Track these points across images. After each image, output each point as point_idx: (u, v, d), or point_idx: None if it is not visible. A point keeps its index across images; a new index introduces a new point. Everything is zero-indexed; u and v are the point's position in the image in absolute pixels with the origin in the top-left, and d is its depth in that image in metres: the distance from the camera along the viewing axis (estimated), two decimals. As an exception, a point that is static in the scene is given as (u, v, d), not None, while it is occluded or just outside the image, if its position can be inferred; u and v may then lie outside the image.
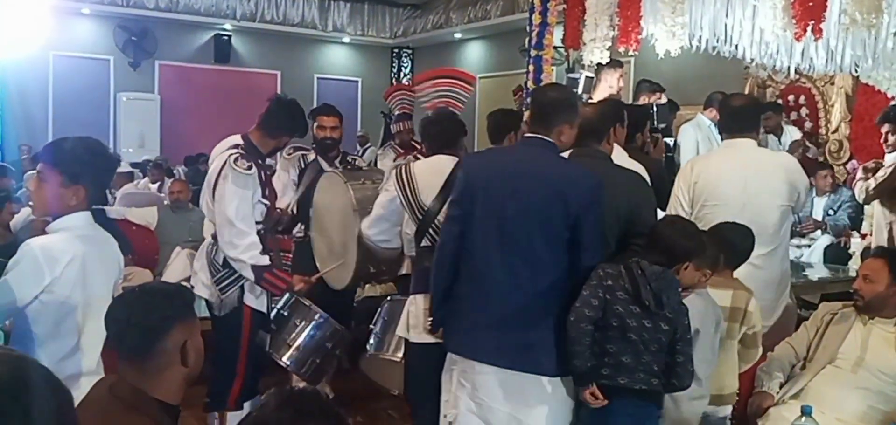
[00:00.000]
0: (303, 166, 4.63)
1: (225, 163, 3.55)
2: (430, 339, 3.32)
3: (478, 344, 2.91)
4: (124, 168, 9.14)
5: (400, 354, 3.65)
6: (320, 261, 4.09)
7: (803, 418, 2.81)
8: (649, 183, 3.44)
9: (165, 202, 7.04)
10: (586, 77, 5.29)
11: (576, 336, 2.76)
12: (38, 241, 2.58)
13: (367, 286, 5.19)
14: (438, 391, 3.45)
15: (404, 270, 4.08)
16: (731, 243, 3.32)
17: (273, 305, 3.81)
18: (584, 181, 2.88)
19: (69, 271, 2.53)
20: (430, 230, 3.34)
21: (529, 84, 5.69)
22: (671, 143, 4.94)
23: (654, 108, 5.03)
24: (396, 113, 6.11)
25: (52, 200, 2.63)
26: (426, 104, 5.18)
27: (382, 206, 3.52)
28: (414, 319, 3.39)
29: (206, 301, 3.74)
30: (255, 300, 3.71)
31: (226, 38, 13.93)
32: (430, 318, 3.16)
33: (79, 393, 2.18)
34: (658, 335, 2.81)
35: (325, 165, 4.58)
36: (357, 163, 4.91)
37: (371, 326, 3.96)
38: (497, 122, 4.30)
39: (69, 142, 2.66)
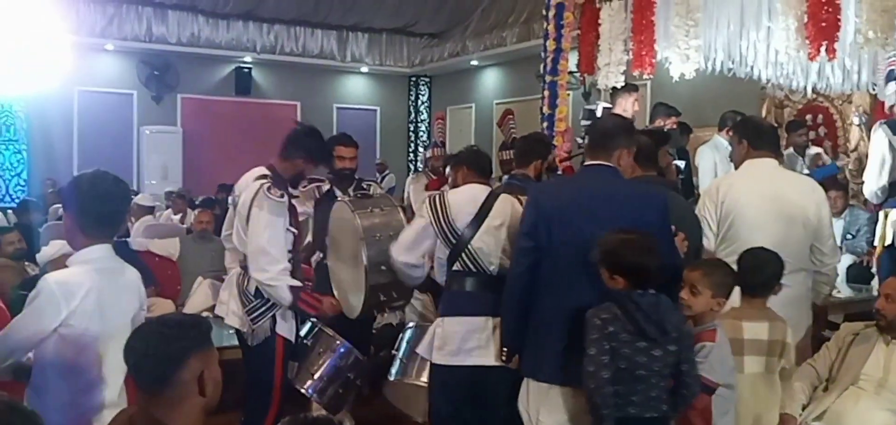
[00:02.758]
0: (317, 196, 4.67)
1: (257, 192, 3.58)
2: (457, 362, 3.36)
3: (571, 368, 2.92)
4: (146, 201, 9.24)
5: (424, 377, 3.65)
6: (337, 289, 4.11)
7: (825, 440, 2.79)
8: None
9: (187, 232, 7.11)
10: (604, 107, 5.30)
11: (602, 401, 2.76)
12: (54, 276, 2.62)
13: (386, 313, 5.21)
14: (462, 414, 3.47)
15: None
16: (755, 270, 3.20)
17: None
18: (653, 200, 3.11)
19: (86, 304, 2.55)
20: (463, 255, 3.40)
21: (545, 109, 5.74)
22: (682, 166, 4.95)
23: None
24: (433, 140, 6.17)
25: (67, 237, 2.75)
26: None
27: (414, 232, 3.57)
28: (440, 341, 3.41)
29: (237, 331, 3.76)
30: (287, 329, 3.73)
31: (246, 70, 14.10)
32: (505, 349, 3.23)
33: None
34: (668, 359, 2.81)
35: (339, 194, 4.61)
36: (372, 189, 4.93)
37: (394, 351, 3.97)
38: (524, 147, 4.38)
39: (73, 179, 2.74)
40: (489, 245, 3.38)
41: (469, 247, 3.38)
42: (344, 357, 3.85)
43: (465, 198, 3.49)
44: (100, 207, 2.66)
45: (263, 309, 3.66)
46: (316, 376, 3.83)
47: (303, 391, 3.86)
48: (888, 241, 4.73)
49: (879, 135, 4.79)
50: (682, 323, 2.87)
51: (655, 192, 3.17)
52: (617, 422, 2.79)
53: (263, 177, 3.66)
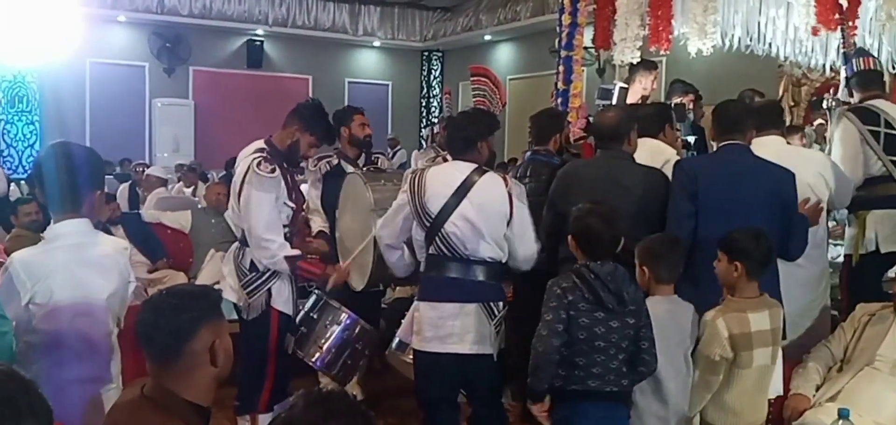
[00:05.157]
0: (328, 170, 4.64)
1: (249, 167, 3.57)
2: (431, 348, 3.34)
3: None
4: (160, 173, 9.26)
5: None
6: (345, 261, 4.09)
7: (841, 421, 2.77)
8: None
9: (199, 205, 7.11)
10: (621, 88, 5.23)
11: (541, 364, 2.82)
12: (19, 255, 2.64)
13: (397, 287, 5.20)
14: (446, 397, 3.47)
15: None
16: (741, 249, 3.03)
17: (300, 307, 3.83)
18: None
19: (52, 282, 2.55)
20: (437, 238, 3.32)
21: (559, 85, 5.68)
22: (691, 141, 4.88)
23: (671, 104, 4.95)
24: (442, 114, 6.14)
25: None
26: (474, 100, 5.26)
27: (394, 208, 3.54)
28: (417, 326, 3.39)
29: (235, 305, 3.76)
30: (283, 303, 3.74)
31: (258, 43, 14.08)
32: None
33: (80, 399, 2.19)
34: (626, 331, 2.86)
35: (348, 168, 4.59)
36: (380, 163, 4.91)
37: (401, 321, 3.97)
38: (542, 124, 4.48)
39: (38, 156, 2.74)
40: (463, 230, 3.29)
41: (442, 230, 3.30)
42: (350, 328, 3.85)
43: (440, 179, 3.38)
44: (61, 180, 2.63)
45: (259, 282, 3.67)
46: (324, 348, 3.83)
47: (311, 363, 3.86)
48: (871, 248, 4.14)
49: (845, 125, 4.21)
50: (639, 295, 2.92)
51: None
52: (578, 396, 2.85)
53: (259, 151, 3.65)
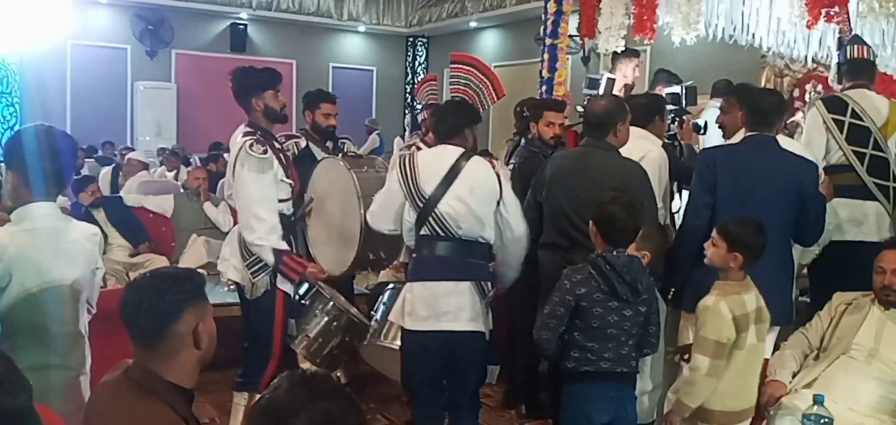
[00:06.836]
0: (295, 153, 4.61)
1: (240, 150, 3.58)
2: (425, 327, 3.37)
3: None
4: (141, 157, 9.20)
5: (398, 342, 3.66)
6: (313, 247, 4.08)
7: (816, 407, 2.81)
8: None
9: (181, 189, 7.08)
10: (608, 78, 5.24)
11: (542, 345, 3.02)
12: None
13: (381, 273, 5.21)
14: (435, 379, 3.49)
15: (403, 258, 4.11)
16: (744, 242, 3.06)
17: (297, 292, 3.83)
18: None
19: (11, 264, 2.51)
20: (430, 219, 3.37)
21: (544, 73, 5.70)
22: (701, 125, 4.82)
23: (683, 90, 4.89)
24: (423, 102, 6.12)
25: (12, 194, 2.67)
26: (451, 88, 5.28)
27: (386, 191, 3.57)
28: (410, 306, 3.42)
29: (237, 285, 3.76)
30: (288, 285, 3.73)
31: (242, 27, 13.97)
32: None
33: (43, 385, 2.17)
34: (638, 318, 2.96)
35: (317, 152, 4.57)
36: (347, 147, 4.91)
37: (372, 312, 3.98)
38: (520, 116, 4.73)
39: (17, 134, 2.67)
40: (457, 210, 3.35)
41: (436, 211, 3.35)
42: (339, 318, 3.86)
43: (433, 161, 3.45)
44: (48, 164, 2.59)
45: (263, 262, 3.66)
46: (312, 336, 3.84)
47: (298, 350, 3.87)
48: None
49: (813, 112, 4.24)
50: (651, 283, 3.02)
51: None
52: (589, 376, 2.94)
53: (248, 133, 3.65)
